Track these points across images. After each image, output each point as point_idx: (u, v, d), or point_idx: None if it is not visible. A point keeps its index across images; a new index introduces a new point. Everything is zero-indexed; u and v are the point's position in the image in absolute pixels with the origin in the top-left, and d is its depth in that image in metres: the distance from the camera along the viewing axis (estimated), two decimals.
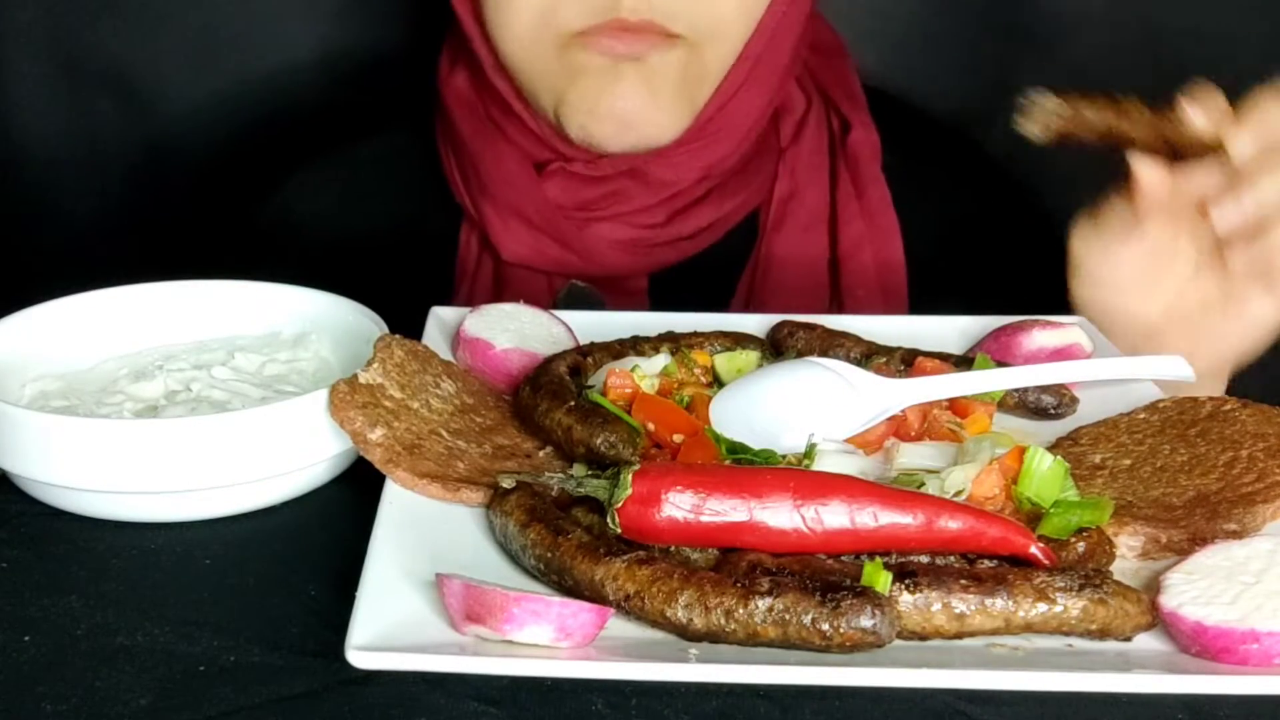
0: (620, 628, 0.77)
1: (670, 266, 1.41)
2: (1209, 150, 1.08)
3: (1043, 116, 1.09)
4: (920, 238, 1.44)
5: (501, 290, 1.40)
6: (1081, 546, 0.82)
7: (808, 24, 1.41)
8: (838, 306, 1.42)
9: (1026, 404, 1.03)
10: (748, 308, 1.42)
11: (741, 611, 0.74)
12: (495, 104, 1.39)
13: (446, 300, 1.37)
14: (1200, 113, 1.06)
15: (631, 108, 1.29)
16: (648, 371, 1.01)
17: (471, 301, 1.36)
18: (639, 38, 1.26)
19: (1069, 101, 1.09)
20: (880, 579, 0.75)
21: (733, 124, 1.38)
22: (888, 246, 1.43)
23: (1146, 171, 1.10)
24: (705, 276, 1.42)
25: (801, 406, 0.96)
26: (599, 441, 0.89)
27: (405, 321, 1.07)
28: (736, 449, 0.90)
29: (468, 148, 1.40)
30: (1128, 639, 0.77)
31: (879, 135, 1.46)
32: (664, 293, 1.41)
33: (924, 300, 1.42)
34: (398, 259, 1.45)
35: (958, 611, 0.76)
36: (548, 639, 0.74)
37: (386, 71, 1.71)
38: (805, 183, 1.44)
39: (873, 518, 0.80)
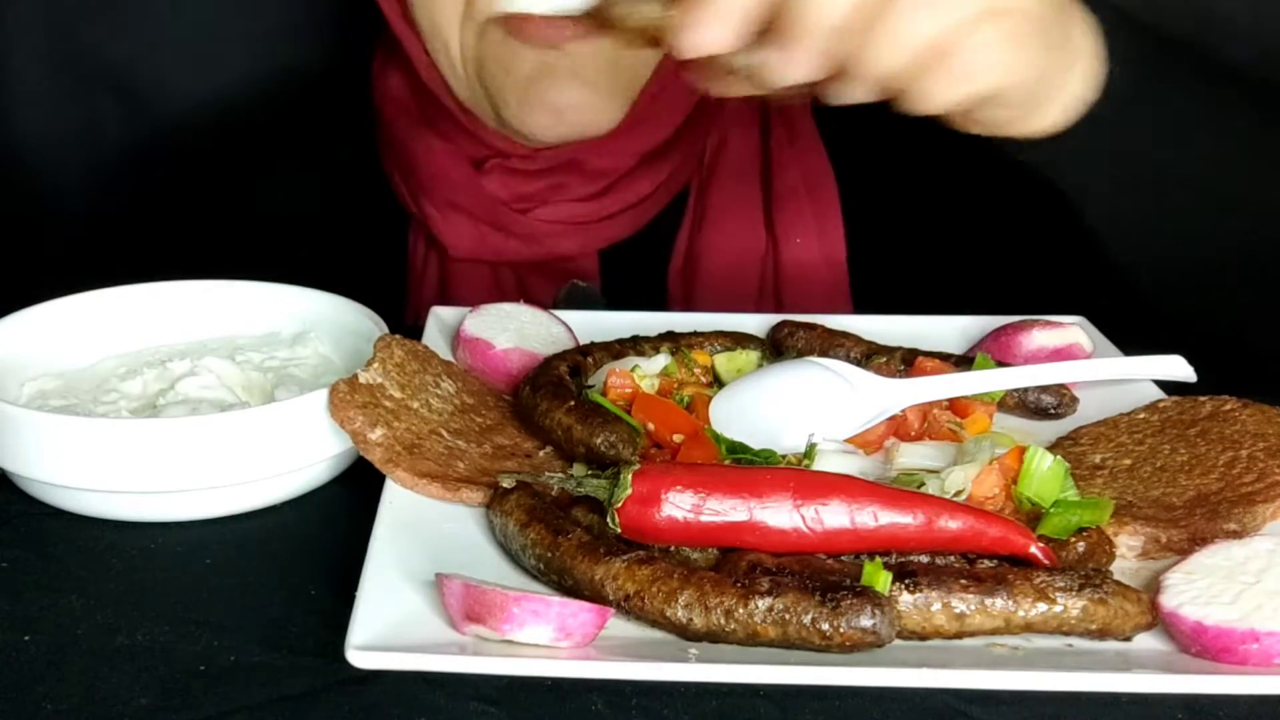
0: (620, 628, 0.77)
1: (617, 242, 1.40)
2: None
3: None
4: (857, 178, 1.43)
5: (448, 286, 1.39)
6: (1081, 546, 0.82)
7: None
8: (774, 256, 1.41)
9: (1026, 404, 1.03)
10: (685, 266, 1.40)
11: (741, 611, 0.74)
12: (430, 103, 1.39)
13: (402, 305, 1.37)
14: None
15: (563, 98, 1.27)
16: (648, 371, 1.01)
17: (421, 303, 1.36)
18: (553, 27, 1.23)
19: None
20: (880, 579, 0.75)
21: (669, 107, 1.37)
22: (823, 191, 1.42)
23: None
24: (652, 246, 1.41)
25: (801, 406, 0.96)
26: (599, 441, 0.89)
27: (391, 323, 1.06)
28: (736, 449, 0.90)
29: (405, 148, 1.40)
30: (1128, 639, 0.77)
31: None
32: (613, 267, 1.39)
33: (863, 244, 1.41)
34: (355, 266, 1.44)
35: (958, 611, 0.76)
36: (548, 639, 0.74)
37: (331, 81, 1.70)
38: (736, 131, 1.43)
39: (873, 518, 0.80)
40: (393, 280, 1.44)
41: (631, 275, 1.38)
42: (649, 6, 0.89)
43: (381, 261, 1.45)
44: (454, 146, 1.38)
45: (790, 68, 0.87)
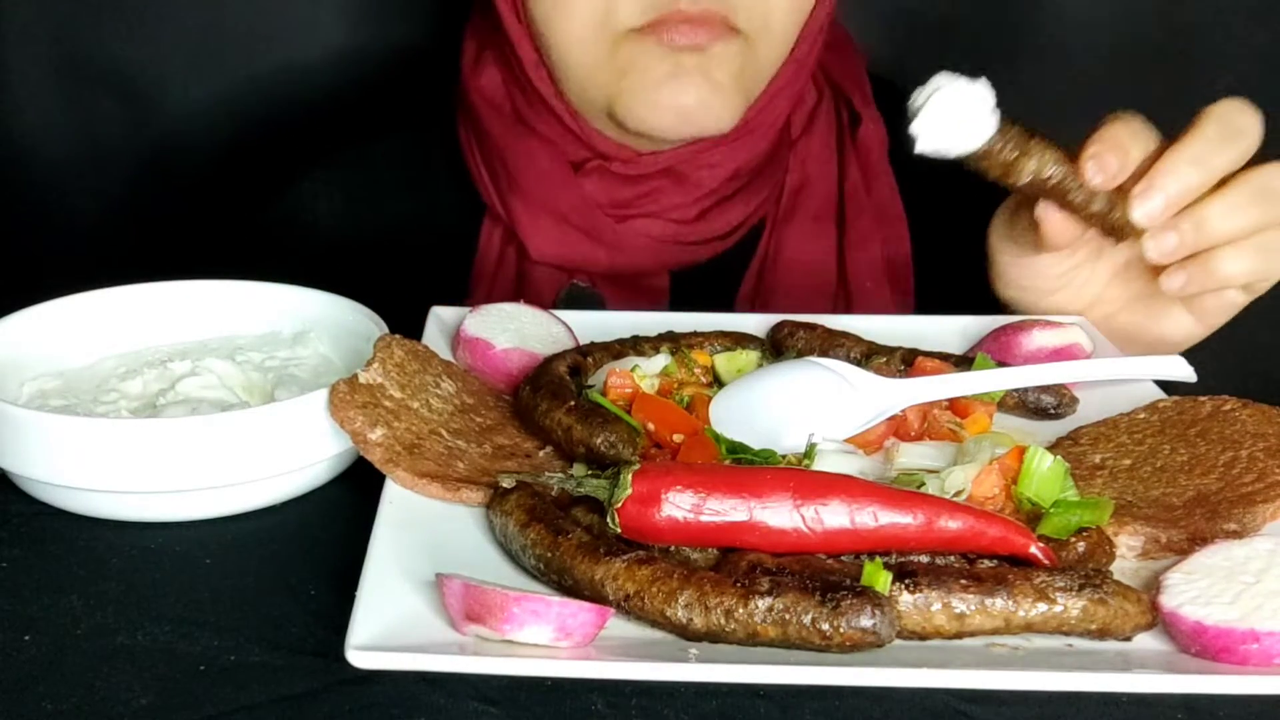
0: (620, 628, 0.77)
1: (693, 265, 1.42)
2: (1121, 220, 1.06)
3: (995, 143, 1.00)
4: (928, 227, 1.45)
5: (524, 288, 1.40)
6: (1081, 546, 0.82)
7: (831, 26, 1.42)
8: (844, 298, 1.43)
9: (1026, 404, 1.03)
10: (756, 300, 1.42)
11: (741, 611, 0.74)
12: (528, 103, 1.39)
13: (464, 298, 1.37)
14: (1101, 172, 1.03)
15: (692, 99, 1.29)
16: (648, 371, 1.01)
17: (491, 299, 1.37)
18: (700, 28, 1.26)
19: (1023, 139, 1.01)
20: (880, 579, 0.75)
21: (767, 122, 1.40)
22: (896, 238, 1.44)
23: (1054, 223, 1.07)
24: (723, 274, 1.43)
25: (801, 406, 0.96)
26: (599, 441, 0.89)
27: (419, 320, 1.07)
28: (736, 449, 0.90)
29: (496, 145, 1.40)
30: (1128, 639, 0.77)
31: (886, 125, 1.47)
32: (684, 289, 1.41)
33: (932, 291, 1.43)
34: (415, 256, 1.45)
35: (958, 611, 0.76)
36: (548, 639, 0.74)
37: (400, 68, 1.71)
38: (815, 174, 1.45)
39: (873, 518, 0.80)
40: (454, 273, 1.44)
41: (700, 296, 1.39)
42: (1046, 166, 1.02)
43: (443, 255, 1.45)
44: (554, 148, 1.39)
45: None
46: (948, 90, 0.96)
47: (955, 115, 0.97)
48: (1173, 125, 1.09)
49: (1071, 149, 1.04)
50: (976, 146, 0.99)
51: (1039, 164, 1.02)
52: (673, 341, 1.07)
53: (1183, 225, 1.04)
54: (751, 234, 1.44)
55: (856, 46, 1.53)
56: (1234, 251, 1.05)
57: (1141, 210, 1.03)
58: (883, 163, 1.46)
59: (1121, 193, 1.05)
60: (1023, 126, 1.01)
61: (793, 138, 1.46)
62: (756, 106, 1.37)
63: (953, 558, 0.81)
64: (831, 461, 0.90)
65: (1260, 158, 1.06)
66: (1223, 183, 1.04)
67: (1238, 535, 0.84)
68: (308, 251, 1.47)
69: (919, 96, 0.97)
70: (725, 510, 0.80)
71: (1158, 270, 1.09)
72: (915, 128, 0.97)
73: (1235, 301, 1.11)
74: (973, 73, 0.99)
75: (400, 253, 1.45)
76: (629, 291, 1.39)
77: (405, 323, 1.04)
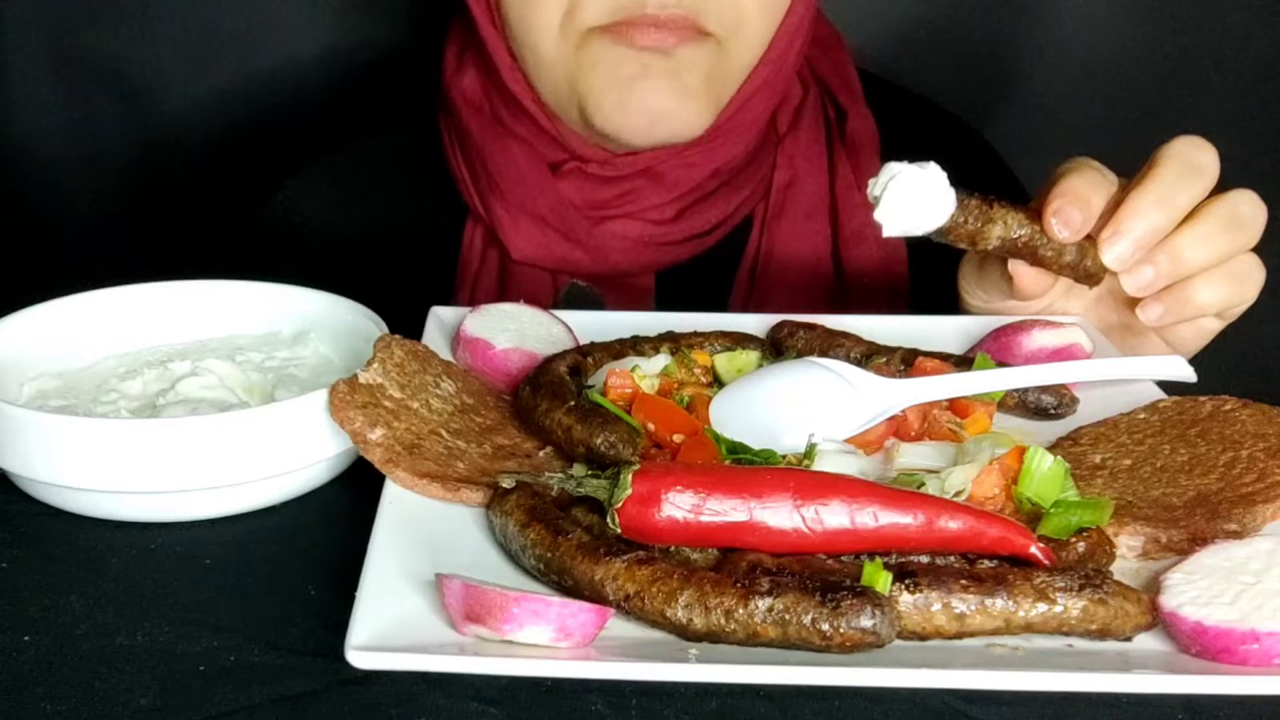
0: (620, 628, 0.77)
1: (676, 264, 1.41)
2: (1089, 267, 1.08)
3: (957, 218, 1.02)
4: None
5: (506, 289, 1.40)
6: (1081, 546, 0.82)
7: (813, 23, 1.42)
8: (842, 297, 1.42)
9: (1026, 404, 1.03)
10: (750, 300, 1.42)
11: (741, 611, 0.74)
12: (506, 104, 1.39)
13: (448, 299, 1.37)
14: (1066, 227, 1.05)
15: (660, 103, 1.29)
16: (648, 371, 1.01)
17: (474, 300, 1.36)
18: (668, 32, 1.26)
19: (984, 209, 1.04)
20: (880, 579, 0.75)
21: (745, 123, 1.39)
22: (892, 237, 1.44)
23: (1027, 278, 1.10)
24: (710, 273, 1.43)
25: (801, 406, 0.96)
26: (599, 441, 0.89)
27: (407, 320, 1.07)
28: (736, 449, 0.90)
29: (476, 146, 1.40)
30: (1128, 639, 0.77)
31: (876, 121, 1.47)
32: (670, 291, 1.41)
33: (927, 291, 1.43)
34: (400, 257, 1.45)
35: (958, 611, 0.76)
36: (548, 639, 0.74)
37: (387, 70, 1.71)
38: (804, 171, 1.45)
39: (873, 518, 0.80)
40: (440, 273, 1.44)
41: (686, 296, 1.39)
42: (1011, 229, 1.05)
43: (429, 255, 1.45)
44: (531, 149, 1.39)
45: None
46: (903, 177, 0.98)
47: (914, 198, 0.99)
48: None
49: (1037, 186, 1.06)
50: (940, 224, 1.01)
51: (1004, 228, 1.05)
52: (673, 341, 1.07)
53: (1158, 258, 1.06)
54: (736, 232, 1.44)
55: (843, 42, 1.52)
56: (1208, 280, 1.07)
57: (1112, 255, 1.06)
58: (874, 159, 1.45)
59: (1090, 239, 1.07)
60: (980, 196, 1.03)
61: (779, 134, 1.46)
62: (732, 107, 1.36)
63: (953, 558, 0.81)
64: (831, 461, 0.90)
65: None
66: (1192, 213, 1.06)
67: (1238, 535, 0.84)
68: (297, 251, 1.47)
69: (876, 186, 1.00)
70: (725, 510, 0.80)
71: (1131, 302, 1.10)
72: (878, 215, 1.00)
73: (1209, 329, 1.13)
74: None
75: (386, 253, 1.45)
76: (613, 292, 1.39)
77: (399, 322, 1.04)
